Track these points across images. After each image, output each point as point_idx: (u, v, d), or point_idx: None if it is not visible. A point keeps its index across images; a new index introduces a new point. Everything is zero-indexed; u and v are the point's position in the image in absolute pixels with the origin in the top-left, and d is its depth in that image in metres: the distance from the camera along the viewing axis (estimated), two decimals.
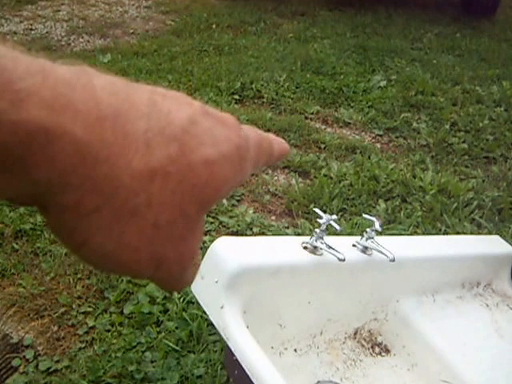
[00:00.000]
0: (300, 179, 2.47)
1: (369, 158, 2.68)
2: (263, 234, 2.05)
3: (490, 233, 2.09)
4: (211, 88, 3.24)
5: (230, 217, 2.14)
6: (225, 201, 2.19)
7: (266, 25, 4.65)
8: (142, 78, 3.23)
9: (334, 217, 1.04)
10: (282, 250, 1.01)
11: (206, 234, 2.00)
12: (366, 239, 1.08)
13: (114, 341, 1.58)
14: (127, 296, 1.74)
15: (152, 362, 1.52)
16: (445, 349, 1.10)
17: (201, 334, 1.58)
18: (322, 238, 1.01)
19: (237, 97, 3.21)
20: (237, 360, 0.82)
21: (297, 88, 3.39)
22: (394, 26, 4.93)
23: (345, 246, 1.07)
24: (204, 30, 4.39)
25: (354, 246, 1.09)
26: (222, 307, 0.88)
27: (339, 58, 3.95)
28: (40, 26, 4.22)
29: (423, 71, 3.89)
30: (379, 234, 1.10)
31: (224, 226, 2.08)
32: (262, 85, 3.34)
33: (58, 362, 1.52)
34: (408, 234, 2.07)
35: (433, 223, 2.21)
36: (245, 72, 3.49)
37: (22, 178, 0.23)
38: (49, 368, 1.50)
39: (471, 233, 2.12)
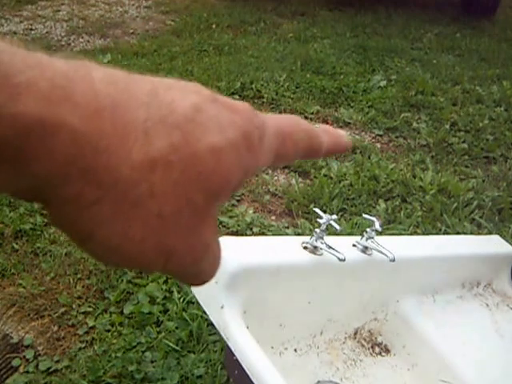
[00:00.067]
0: (300, 179, 2.47)
1: (369, 157, 2.68)
2: (263, 234, 2.05)
3: (490, 233, 2.09)
4: (211, 88, 3.20)
5: (230, 217, 2.14)
6: None
7: (265, 25, 4.65)
8: None
9: (334, 217, 1.04)
10: (282, 249, 1.01)
11: None
12: (366, 239, 1.08)
13: (114, 341, 1.58)
14: (127, 296, 1.74)
15: (152, 361, 1.52)
16: (445, 349, 1.10)
17: (201, 333, 1.59)
18: (322, 238, 1.01)
19: (237, 97, 3.21)
20: (237, 360, 0.82)
21: (297, 88, 3.40)
22: (393, 26, 4.93)
23: (345, 245, 1.07)
24: (204, 29, 4.39)
25: (354, 245, 1.09)
26: (222, 307, 0.88)
27: (339, 57, 3.95)
28: (40, 26, 4.22)
29: (423, 71, 3.89)
30: (379, 233, 1.10)
31: (224, 226, 2.08)
32: (262, 85, 3.34)
33: (58, 361, 1.52)
34: (408, 234, 2.07)
35: (433, 223, 2.21)
36: (245, 72, 3.49)
37: (22, 171, 0.23)
38: (49, 368, 1.50)
39: (471, 233, 2.12)
